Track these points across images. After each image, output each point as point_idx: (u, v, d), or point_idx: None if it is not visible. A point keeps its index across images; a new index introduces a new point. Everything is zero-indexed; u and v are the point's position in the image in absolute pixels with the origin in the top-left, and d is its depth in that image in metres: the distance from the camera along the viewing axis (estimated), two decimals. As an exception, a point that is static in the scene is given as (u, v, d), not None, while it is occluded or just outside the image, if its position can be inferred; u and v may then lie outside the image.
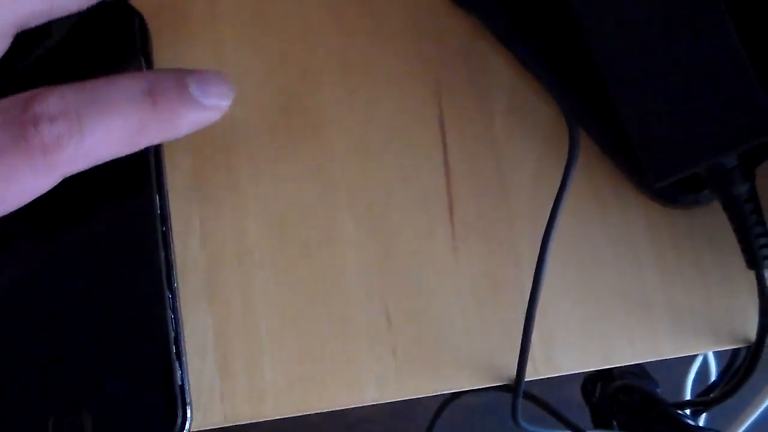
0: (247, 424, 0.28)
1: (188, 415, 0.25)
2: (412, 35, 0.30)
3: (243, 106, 0.29)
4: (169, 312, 0.26)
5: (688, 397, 0.46)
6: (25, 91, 0.23)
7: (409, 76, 0.30)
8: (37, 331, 0.25)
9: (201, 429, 0.27)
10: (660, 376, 0.44)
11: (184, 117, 0.24)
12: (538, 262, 0.27)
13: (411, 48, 0.30)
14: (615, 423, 0.36)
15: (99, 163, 0.23)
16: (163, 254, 0.26)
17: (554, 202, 0.27)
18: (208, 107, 0.25)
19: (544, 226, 0.27)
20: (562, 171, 0.27)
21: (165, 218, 0.27)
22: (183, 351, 0.26)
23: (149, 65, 0.28)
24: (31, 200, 0.23)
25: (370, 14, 0.31)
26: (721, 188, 0.26)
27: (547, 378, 0.28)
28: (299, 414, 0.27)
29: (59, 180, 0.23)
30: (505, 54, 0.30)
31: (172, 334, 0.26)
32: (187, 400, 0.26)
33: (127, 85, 0.24)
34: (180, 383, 0.25)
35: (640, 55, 0.26)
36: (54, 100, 0.22)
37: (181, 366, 0.26)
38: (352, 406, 0.28)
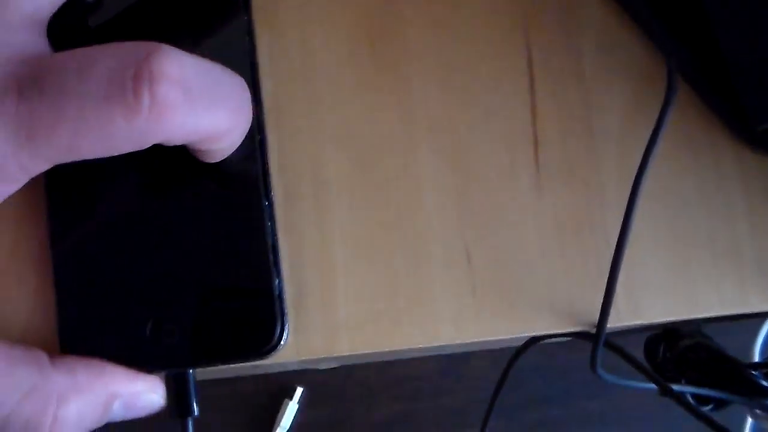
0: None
1: (286, 326, 0.25)
2: (499, -33, 0.29)
3: (324, 31, 0.28)
4: (267, 221, 0.25)
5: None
6: (139, 41, 0.21)
7: (495, 10, 0.29)
8: (143, 239, 0.25)
9: (273, 362, 0.26)
10: (724, 343, 0.42)
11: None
12: (627, 206, 0.26)
13: (497, -20, 0.29)
14: (684, 382, 0.35)
15: (180, 143, 0.22)
16: (260, 162, 0.26)
17: (647, 146, 0.26)
18: None
19: (632, 168, 0.26)
20: (652, 112, 0.26)
21: (261, 126, 0.26)
22: (280, 261, 0.26)
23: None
24: (101, 157, 0.21)
25: (456, -57, 0.29)
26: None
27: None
28: (373, 351, 0.27)
29: (142, 148, 0.22)
30: (597, -12, 0.29)
31: (270, 243, 0.25)
32: (285, 311, 0.25)
33: (242, 88, 0.23)
34: (278, 293, 0.25)
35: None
36: (174, 63, 0.21)
37: (278, 275, 0.25)
38: (428, 345, 0.27)
